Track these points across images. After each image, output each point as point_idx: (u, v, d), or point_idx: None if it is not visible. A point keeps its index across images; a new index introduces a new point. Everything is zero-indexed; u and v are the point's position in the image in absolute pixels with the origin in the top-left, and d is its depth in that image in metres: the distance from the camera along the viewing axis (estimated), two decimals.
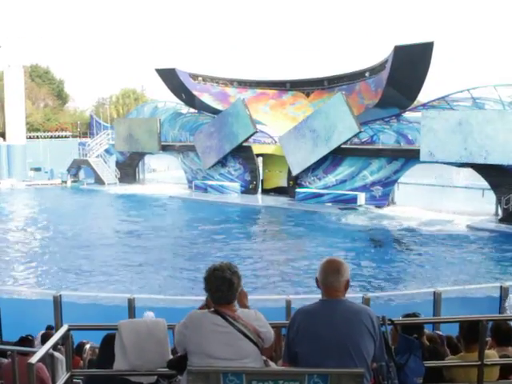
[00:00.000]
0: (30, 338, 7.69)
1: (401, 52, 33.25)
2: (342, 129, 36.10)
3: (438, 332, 7.32)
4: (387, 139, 36.16)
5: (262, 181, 43.21)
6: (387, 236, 28.60)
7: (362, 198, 35.96)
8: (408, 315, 5.99)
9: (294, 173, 38.62)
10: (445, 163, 33.29)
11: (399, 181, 36.39)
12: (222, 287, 3.74)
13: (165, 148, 48.16)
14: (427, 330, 6.60)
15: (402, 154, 34.56)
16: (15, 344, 7.53)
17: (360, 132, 35.96)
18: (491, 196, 32.20)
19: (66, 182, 52.45)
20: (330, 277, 3.73)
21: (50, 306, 10.07)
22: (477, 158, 30.79)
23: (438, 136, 31.85)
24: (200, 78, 45.68)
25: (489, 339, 5.57)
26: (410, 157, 33.93)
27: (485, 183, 32.16)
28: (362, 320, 3.63)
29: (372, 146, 36.81)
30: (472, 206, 33.56)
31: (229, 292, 3.76)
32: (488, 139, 30.21)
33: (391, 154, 35.00)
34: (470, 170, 33.33)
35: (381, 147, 35.73)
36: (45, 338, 7.63)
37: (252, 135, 42.00)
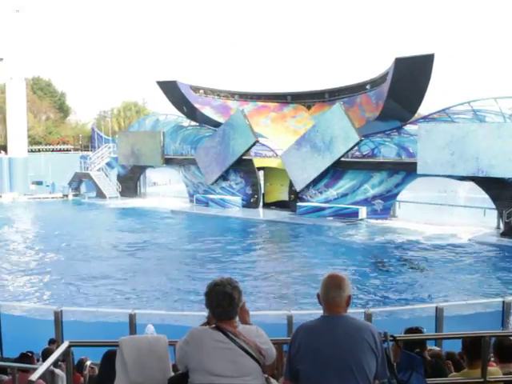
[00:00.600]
0: (29, 354, 7.66)
1: (401, 64, 33.28)
2: (342, 139, 36.24)
3: (438, 348, 7.28)
4: (388, 152, 36.19)
5: (264, 194, 43.21)
6: (389, 250, 28.55)
7: (363, 211, 35.90)
8: (411, 329, 5.96)
9: (298, 189, 38.57)
10: (442, 176, 33.36)
11: (399, 198, 36.50)
12: (223, 302, 3.72)
13: (168, 161, 48.23)
14: (430, 346, 6.58)
15: (402, 167, 34.57)
16: (15, 360, 7.51)
17: (361, 140, 35.99)
18: (493, 212, 32.21)
19: (67, 195, 52.50)
20: (332, 292, 3.71)
21: (50, 322, 10.04)
22: (473, 171, 31.03)
23: (434, 149, 32.08)
24: (201, 91, 45.80)
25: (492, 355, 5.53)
26: (410, 170, 33.87)
27: (486, 196, 32.09)
28: (364, 336, 3.60)
29: (373, 159, 36.84)
30: (473, 219, 33.51)
31: (229, 307, 3.74)
32: (484, 152, 30.40)
33: (392, 168, 35.03)
34: (471, 183, 33.26)
35: (382, 160, 35.75)
36: (46, 355, 7.61)
37: (253, 145, 41.99)
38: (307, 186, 38.44)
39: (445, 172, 32.48)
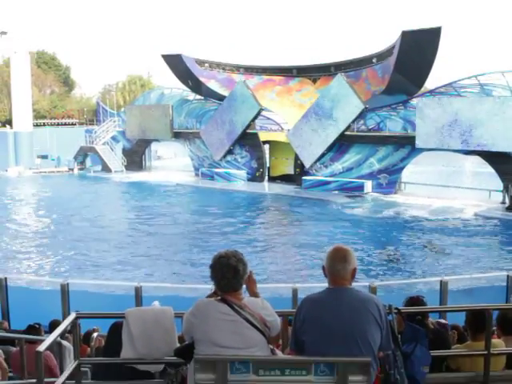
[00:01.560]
0: (37, 326, 7.74)
1: (408, 37, 32.95)
2: (347, 109, 36.11)
3: (444, 321, 7.33)
4: (394, 126, 35.96)
5: (269, 168, 43.17)
6: (397, 226, 28.60)
7: (368, 185, 35.86)
8: (412, 298, 5.99)
9: (307, 165, 38.23)
10: (441, 150, 33.39)
11: (404, 178, 36.63)
12: (228, 274, 3.74)
13: (176, 135, 47.86)
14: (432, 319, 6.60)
15: (408, 141, 34.33)
16: (23, 332, 7.58)
17: (366, 108, 35.83)
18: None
19: (72, 169, 52.54)
20: (337, 265, 3.73)
21: (57, 295, 10.11)
22: (471, 145, 31.33)
23: (432, 123, 32.30)
24: (206, 65, 45.57)
25: (494, 328, 5.56)
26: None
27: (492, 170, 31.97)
28: (369, 308, 3.63)
29: (379, 133, 36.68)
30: (478, 193, 33.44)
31: (234, 279, 3.76)
32: (479, 126, 30.70)
33: (398, 142, 34.87)
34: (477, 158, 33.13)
35: (387, 134, 35.59)
36: (53, 326, 7.69)
37: (259, 113, 41.61)
38: (315, 161, 38.33)
39: (442, 146, 32.67)
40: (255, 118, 41.94)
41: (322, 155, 37.87)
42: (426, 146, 33.13)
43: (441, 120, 31.96)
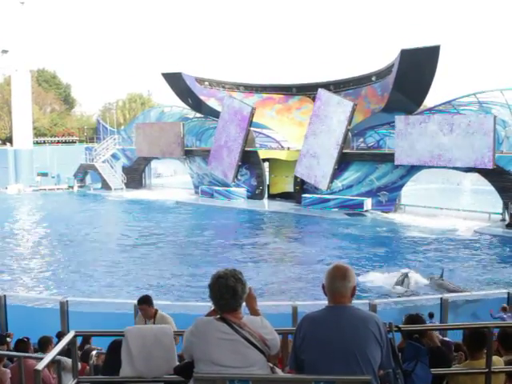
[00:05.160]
0: (25, 339, 7.74)
1: (407, 56, 33.16)
2: (339, 112, 36.66)
3: (447, 339, 7.31)
4: (393, 144, 36.10)
5: (268, 186, 43.19)
6: (396, 239, 28.58)
7: (368, 203, 35.88)
8: (411, 316, 5.98)
9: (325, 188, 37.64)
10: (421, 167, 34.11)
11: (404, 201, 36.78)
12: (226, 295, 3.72)
13: (187, 153, 47.42)
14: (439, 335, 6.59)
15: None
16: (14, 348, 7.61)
17: (355, 105, 36.13)
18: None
19: (72, 187, 52.60)
20: (337, 282, 3.71)
21: (56, 312, 10.08)
22: (442, 161, 32.68)
23: (411, 140, 33.38)
24: (206, 83, 45.75)
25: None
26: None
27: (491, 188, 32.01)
28: (369, 327, 3.60)
29: (378, 150, 36.76)
30: (478, 210, 33.45)
31: (233, 299, 3.74)
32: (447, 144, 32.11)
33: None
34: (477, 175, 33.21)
35: (387, 152, 35.67)
36: (58, 338, 7.72)
37: (253, 113, 41.27)
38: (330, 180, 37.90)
39: (418, 162, 33.78)
40: (251, 118, 41.69)
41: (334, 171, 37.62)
42: (403, 162, 34.27)
43: (419, 137, 33.21)
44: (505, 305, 11.07)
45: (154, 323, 7.40)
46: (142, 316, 7.80)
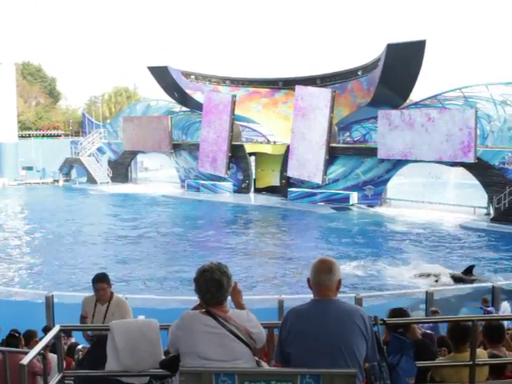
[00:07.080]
0: (16, 334, 7.68)
1: (393, 50, 33.21)
2: (321, 100, 37.12)
3: (430, 331, 7.35)
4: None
5: (255, 180, 43.19)
6: (381, 232, 28.70)
7: (354, 197, 35.99)
8: (395, 310, 6.00)
9: (323, 182, 37.46)
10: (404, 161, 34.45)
11: (390, 195, 36.95)
12: (212, 289, 3.72)
13: (175, 147, 47.23)
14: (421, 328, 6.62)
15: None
16: (4, 341, 7.54)
17: (335, 92, 36.71)
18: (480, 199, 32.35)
19: (58, 180, 52.34)
20: (322, 276, 3.72)
21: (41, 307, 10.02)
22: (425, 155, 33.10)
23: (394, 135, 33.80)
24: (192, 77, 45.59)
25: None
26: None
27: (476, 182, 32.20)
28: (355, 320, 3.61)
29: (364, 144, 36.85)
30: (463, 203, 33.68)
31: (218, 293, 3.74)
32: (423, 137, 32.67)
33: None
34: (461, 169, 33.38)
35: (372, 146, 35.76)
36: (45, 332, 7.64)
37: (234, 102, 41.67)
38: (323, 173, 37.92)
39: (402, 157, 34.06)
40: (233, 107, 41.70)
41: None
42: (386, 156, 34.60)
43: (398, 131, 33.73)
44: (485, 297, 11.16)
45: (108, 307, 6.33)
46: (97, 298, 6.42)
